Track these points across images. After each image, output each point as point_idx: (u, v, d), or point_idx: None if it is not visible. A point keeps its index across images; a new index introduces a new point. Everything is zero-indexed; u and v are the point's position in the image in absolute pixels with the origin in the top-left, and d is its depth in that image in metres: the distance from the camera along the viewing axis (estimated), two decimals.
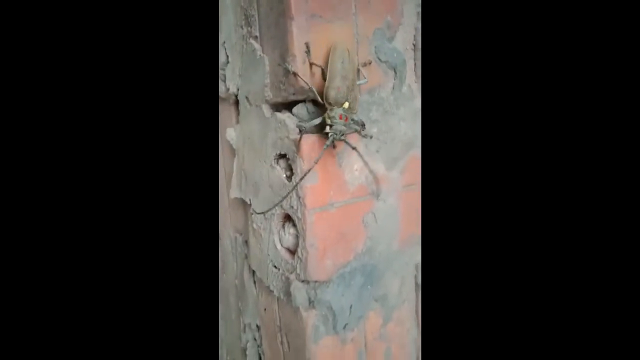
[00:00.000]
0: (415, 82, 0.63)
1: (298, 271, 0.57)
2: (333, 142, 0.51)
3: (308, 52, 0.51)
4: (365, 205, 0.60)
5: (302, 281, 0.58)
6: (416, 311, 0.71)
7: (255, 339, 0.78)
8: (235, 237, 0.79)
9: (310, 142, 0.54)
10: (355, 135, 0.55)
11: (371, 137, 0.58)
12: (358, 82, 0.54)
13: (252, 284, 0.75)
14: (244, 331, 0.80)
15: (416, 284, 0.70)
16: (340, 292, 0.59)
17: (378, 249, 0.62)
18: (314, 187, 0.55)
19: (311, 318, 0.58)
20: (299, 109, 0.55)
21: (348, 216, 0.58)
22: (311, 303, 0.58)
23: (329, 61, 0.51)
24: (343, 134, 0.51)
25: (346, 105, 0.51)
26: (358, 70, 0.55)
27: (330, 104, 0.50)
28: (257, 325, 0.76)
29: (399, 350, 0.69)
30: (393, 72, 0.60)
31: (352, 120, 0.53)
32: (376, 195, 0.60)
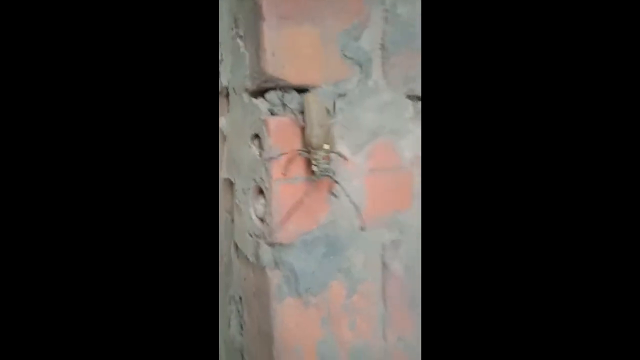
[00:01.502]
0: (383, 78, 0.72)
1: (265, 235, 0.66)
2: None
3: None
4: (329, 183, 0.68)
5: (269, 244, 0.66)
6: (383, 290, 0.77)
7: (238, 310, 0.85)
8: (226, 217, 0.88)
9: (276, 121, 0.63)
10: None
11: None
12: (330, 121, 0.64)
13: (236, 258, 0.83)
14: (229, 303, 0.88)
15: (383, 263, 0.76)
16: (303, 257, 0.67)
17: (341, 223, 0.69)
18: (280, 162, 0.64)
19: (275, 277, 0.66)
20: (270, 95, 0.65)
21: (312, 190, 0.66)
22: (276, 265, 0.66)
23: (305, 112, 0.62)
24: (328, 172, 0.62)
25: (326, 146, 0.62)
26: (327, 110, 0.65)
27: (313, 149, 0.61)
28: (239, 297, 0.84)
29: (364, 324, 0.75)
30: (359, 68, 0.69)
31: (332, 153, 0.64)
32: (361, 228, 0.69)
